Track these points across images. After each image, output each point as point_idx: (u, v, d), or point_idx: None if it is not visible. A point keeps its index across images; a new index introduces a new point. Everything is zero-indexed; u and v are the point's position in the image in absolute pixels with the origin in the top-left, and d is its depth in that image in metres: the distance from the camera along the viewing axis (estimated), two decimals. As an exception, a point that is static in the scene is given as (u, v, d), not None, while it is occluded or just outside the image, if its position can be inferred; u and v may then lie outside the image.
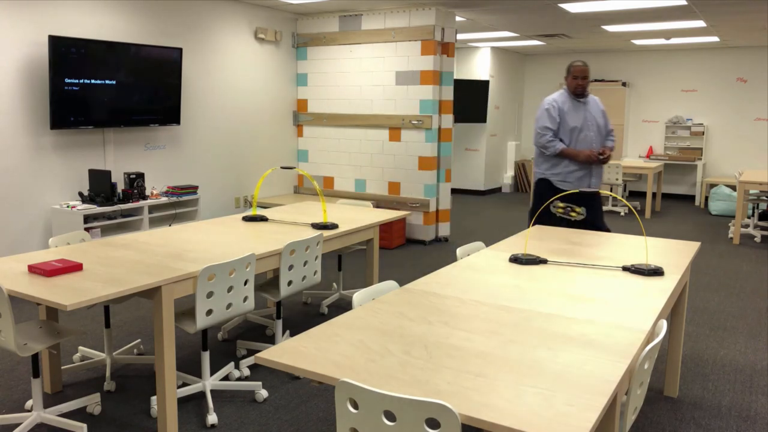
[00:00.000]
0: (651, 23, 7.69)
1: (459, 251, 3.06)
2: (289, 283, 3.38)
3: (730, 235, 7.73)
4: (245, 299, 3.08)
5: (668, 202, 10.64)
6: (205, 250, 3.17)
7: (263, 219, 4.05)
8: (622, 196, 10.18)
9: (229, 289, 2.95)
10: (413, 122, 6.79)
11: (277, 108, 7.34)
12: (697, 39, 9.19)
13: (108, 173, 5.05)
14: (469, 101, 10.34)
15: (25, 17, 4.78)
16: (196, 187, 5.81)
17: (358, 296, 2.29)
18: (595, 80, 11.22)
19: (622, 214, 9.37)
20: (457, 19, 7.64)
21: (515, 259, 2.89)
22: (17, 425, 2.87)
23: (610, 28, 8.17)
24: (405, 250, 6.73)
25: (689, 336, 4.25)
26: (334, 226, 3.82)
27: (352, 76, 7.18)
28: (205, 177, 6.46)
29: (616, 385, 1.62)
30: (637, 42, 9.72)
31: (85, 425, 2.74)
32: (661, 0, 6.20)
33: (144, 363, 3.67)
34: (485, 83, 10.44)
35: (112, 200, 5.07)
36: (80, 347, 3.68)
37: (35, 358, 2.74)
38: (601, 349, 1.86)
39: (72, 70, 4.93)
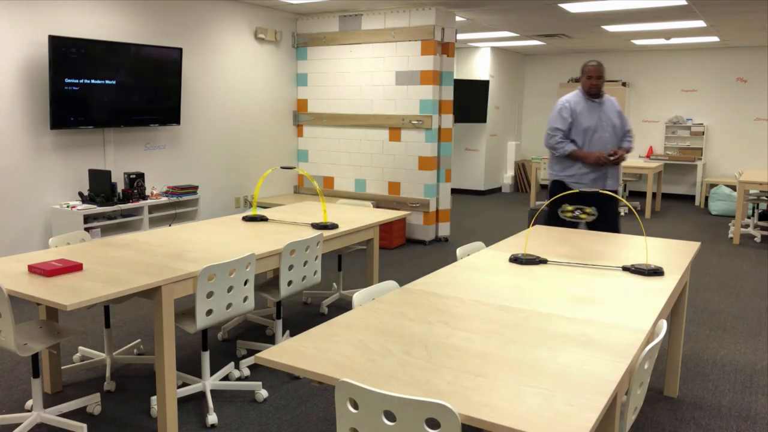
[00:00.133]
0: (651, 23, 7.69)
1: (459, 251, 3.06)
2: (289, 283, 3.38)
3: (730, 235, 7.73)
4: (245, 299, 3.08)
5: (668, 202, 10.64)
6: (205, 250, 3.17)
7: (263, 219, 4.05)
8: (623, 196, 10.17)
9: (229, 289, 2.95)
10: (413, 122, 6.79)
11: (277, 108, 7.34)
12: (697, 39, 9.19)
13: (108, 173, 5.05)
14: (469, 101, 10.34)
15: (25, 17, 4.78)
16: (196, 187, 5.81)
17: (358, 296, 2.29)
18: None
19: (622, 214, 9.37)
20: (457, 19, 7.64)
21: (515, 259, 2.89)
22: (17, 425, 2.87)
23: (610, 28, 8.17)
24: (405, 250, 6.73)
25: (689, 336, 4.25)
26: (334, 226, 3.82)
27: (352, 76, 7.18)
28: (205, 177, 6.46)
29: (616, 385, 1.62)
30: (637, 42, 9.72)
31: (85, 425, 2.74)
32: (661, 0, 6.20)
33: (144, 363, 3.67)
34: (485, 83, 10.44)
35: (112, 200, 5.07)
36: (80, 347, 3.68)
37: (35, 358, 2.74)
38: (601, 349, 1.86)
39: (72, 70, 4.93)
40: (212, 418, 2.94)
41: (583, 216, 3.22)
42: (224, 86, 6.58)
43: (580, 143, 4.39)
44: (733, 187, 9.85)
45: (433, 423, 1.47)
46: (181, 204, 5.72)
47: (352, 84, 7.18)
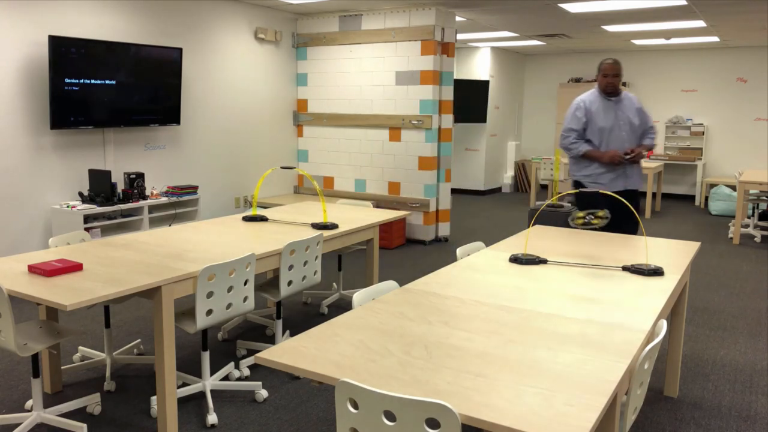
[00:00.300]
0: (651, 23, 7.69)
1: (459, 251, 3.06)
2: (289, 283, 3.38)
3: (730, 235, 7.73)
4: (245, 299, 3.08)
5: (668, 202, 10.64)
6: (205, 250, 3.17)
7: (263, 219, 4.05)
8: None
9: (229, 289, 2.95)
10: (413, 122, 6.79)
11: (277, 108, 7.34)
12: (697, 39, 9.19)
13: (108, 173, 5.05)
14: (469, 101, 10.34)
15: (25, 17, 4.78)
16: (196, 187, 5.81)
17: (358, 296, 2.29)
18: (596, 80, 11.21)
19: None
20: (457, 19, 7.64)
21: (515, 259, 2.89)
22: (17, 425, 2.87)
23: (610, 28, 8.17)
24: (405, 250, 6.73)
25: (689, 336, 4.25)
26: (334, 226, 3.82)
27: (352, 76, 7.18)
28: (205, 177, 6.46)
29: (616, 385, 1.62)
30: (637, 42, 9.72)
31: (85, 425, 2.74)
32: (661, 0, 6.20)
33: (144, 363, 3.67)
34: (485, 83, 10.44)
35: (112, 200, 5.07)
36: (80, 347, 3.68)
37: (35, 358, 2.74)
38: (601, 349, 1.86)
39: (72, 70, 4.93)
40: (212, 418, 2.94)
41: (595, 221, 3.17)
42: (224, 86, 6.58)
43: (597, 143, 4.33)
44: (733, 187, 9.85)
45: (433, 423, 1.47)
46: (181, 204, 5.72)
47: (352, 84, 7.18)
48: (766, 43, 9.58)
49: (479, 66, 10.78)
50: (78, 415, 3.03)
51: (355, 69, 7.14)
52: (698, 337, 4.24)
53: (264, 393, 3.23)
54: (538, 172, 9.95)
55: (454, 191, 11.27)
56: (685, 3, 6.31)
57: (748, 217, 8.60)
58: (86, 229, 4.84)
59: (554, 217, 5.44)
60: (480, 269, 2.76)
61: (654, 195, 10.67)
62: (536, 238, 3.43)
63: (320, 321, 4.44)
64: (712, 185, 10.17)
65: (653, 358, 1.93)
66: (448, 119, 6.92)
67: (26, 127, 4.87)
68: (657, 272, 2.69)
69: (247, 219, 4.03)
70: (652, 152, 10.26)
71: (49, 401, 3.17)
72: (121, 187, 5.55)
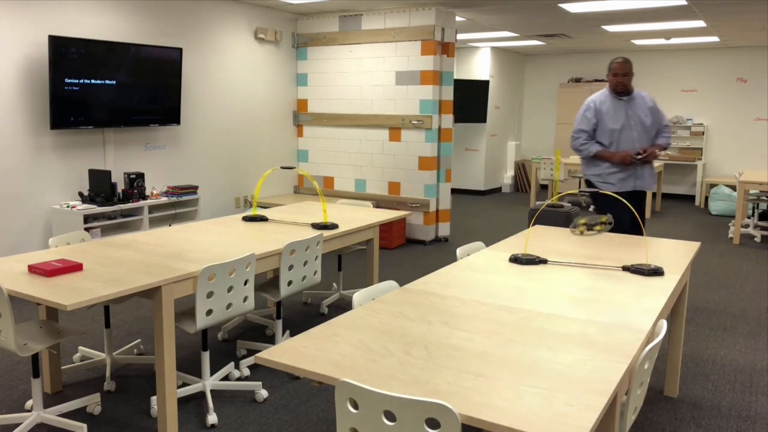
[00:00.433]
0: (651, 23, 7.69)
1: (459, 251, 3.06)
2: (289, 283, 3.38)
3: (730, 235, 7.73)
4: (245, 299, 3.08)
5: (668, 202, 10.64)
6: (205, 250, 3.17)
7: (263, 219, 4.05)
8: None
9: (229, 289, 2.95)
10: (413, 122, 6.79)
11: (277, 108, 7.34)
12: (697, 39, 9.19)
13: (108, 173, 5.05)
14: (469, 101, 10.34)
15: (25, 17, 4.78)
16: (196, 187, 5.81)
17: (358, 296, 2.29)
18: (596, 80, 11.22)
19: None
20: (457, 19, 7.64)
21: (515, 259, 2.89)
22: (17, 425, 2.87)
23: (610, 28, 8.17)
24: (405, 250, 6.73)
25: (689, 336, 4.25)
26: (334, 226, 3.82)
27: (352, 76, 7.18)
28: (205, 177, 6.46)
29: (616, 385, 1.62)
30: (637, 42, 9.72)
31: (85, 425, 2.74)
32: (661, 0, 6.20)
33: (144, 363, 3.67)
34: (485, 83, 10.44)
35: (112, 200, 5.07)
36: (80, 347, 3.68)
37: (35, 358, 2.74)
38: (601, 349, 1.86)
39: (72, 70, 4.93)
40: (212, 418, 2.94)
41: (597, 228, 3.17)
42: (224, 86, 6.58)
43: (607, 143, 4.32)
44: (733, 187, 9.85)
45: (433, 423, 1.47)
46: (181, 204, 5.72)
47: (352, 84, 7.18)
48: (766, 43, 9.58)
49: (479, 66, 10.78)
50: (78, 415, 3.03)
51: (355, 69, 7.14)
52: (698, 337, 4.24)
53: (264, 393, 3.23)
54: (538, 172, 9.95)
55: (454, 191, 11.27)
56: (685, 3, 6.31)
57: (748, 217, 8.60)
58: (86, 229, 4.84)
59: (554, 217, 5.43)
60: (480, 269, 2.76)
61: (654, 195, 10.67)
62: (536, 238, 3.43)
63: (320, 321, 4.44)
64: (712, 185, 10.17)
65: (653, 358, 1.93)
66: (448, 119, 6.92)
67: (26, 127, 4.87)
68: (657, 272, 2.69)
69: (247, 219, 4.03)
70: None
71: (49, 401, 3.17)
72: (121, 187, 5.55)
